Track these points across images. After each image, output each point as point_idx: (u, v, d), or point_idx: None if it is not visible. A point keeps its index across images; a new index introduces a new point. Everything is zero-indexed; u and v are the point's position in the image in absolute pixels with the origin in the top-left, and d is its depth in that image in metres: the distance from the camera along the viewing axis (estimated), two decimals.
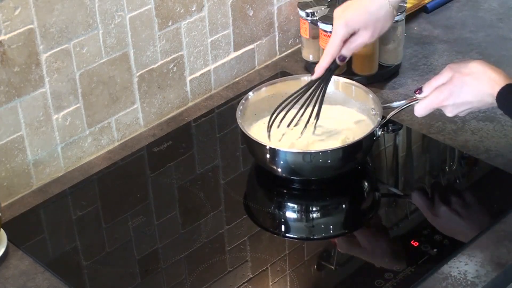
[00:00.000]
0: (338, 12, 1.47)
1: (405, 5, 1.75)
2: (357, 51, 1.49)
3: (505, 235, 1.38)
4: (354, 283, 1.34)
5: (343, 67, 1.75)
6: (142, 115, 1.67)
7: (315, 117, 1.50)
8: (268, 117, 1.56)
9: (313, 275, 1.36)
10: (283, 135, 1.51)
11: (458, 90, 1.40)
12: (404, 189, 1.55)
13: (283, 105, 1.50)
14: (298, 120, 1.51)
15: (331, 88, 1.58)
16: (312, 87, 1.50)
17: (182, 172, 1.57)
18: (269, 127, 1.50)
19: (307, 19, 1.75)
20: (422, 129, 1.63)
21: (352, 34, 1.46)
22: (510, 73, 1.41)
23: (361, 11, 1.44)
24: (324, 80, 1.50)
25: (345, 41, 1.47)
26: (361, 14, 1.44)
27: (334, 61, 1.48)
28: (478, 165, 1.55)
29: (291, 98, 1.50)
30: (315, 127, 1.51)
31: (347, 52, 1.48)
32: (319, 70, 1.49)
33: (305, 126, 1.50)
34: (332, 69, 1.49)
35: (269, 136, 1.50)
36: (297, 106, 1.51)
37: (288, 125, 1.51)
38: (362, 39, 1.46)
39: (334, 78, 1.59)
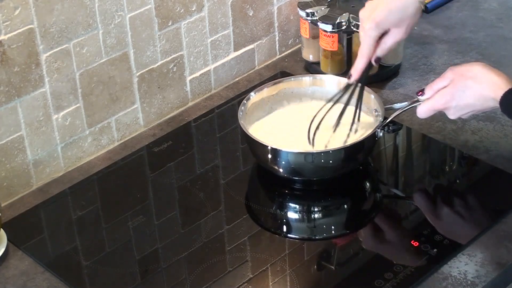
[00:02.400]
0: (365, 13, 1.46)
1: None
2: (391, 50, 1.49)
3: (505, 235, 1.38)
4: (354, 283, 1.34)
5: (343, 67, 1.75)
6: (142, 115, 1.67)
7: (357, 120, 1.48)
8: (269, 117, 1.56)
9: (313, 275, 1.36)
10: (329, 140, 1.48)
11: (460, 93, 1.40)
12: (404, 190, 1.55)
13: (321, 110, 1.49)
14: (337, 124, 1.48)
15: (333, 88, 1.58)
16: (348, 90, 1.49)
17: (182, 172, 1.57)
18: (310, 134, 1.48)
19: (307, 19, 1.75)
20: (422, 129, 1.63)
21: (383, 34, 1.46)
22: (511, 73, 1.41)
23: (390, 10, 1.44)
24: (361, 82, 1.49)
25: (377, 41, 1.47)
26: (391, 14, 1.44)
27: (369, 62, 1.48)
28: (478, 165, 1.55)
29: (329, 103, 1.49)
30: (355, 130, 1.49)
31: (381, 52, 1.48)
32: (356, 73, 1.48)
33: (350, 129, 1.48)
34: (367, 70, 1.49)
35: (312, 142, 1.48)
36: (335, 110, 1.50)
37: (334, 130, 1.48)
38: (395, 38, 1.46)
39: (335, 78, 1.59)
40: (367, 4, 1.48)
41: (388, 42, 1.47)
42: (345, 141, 1.47)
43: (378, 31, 1.45)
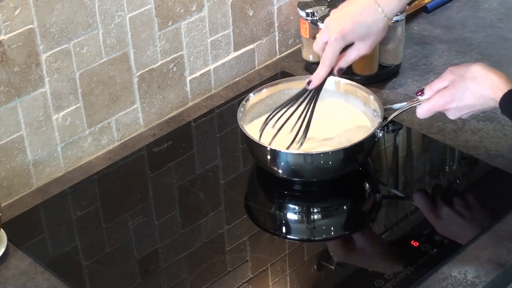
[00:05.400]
0: (332, 22, 1.44)
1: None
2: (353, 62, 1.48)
3: (505, 235, 1.38)
4: (354, 283, 1.34)
5: None
6: (142, 115, 1.67)
7: (304, 130, 1.47)
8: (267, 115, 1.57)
9: (313, 275, 1.36)
10: (274, 136, 1.48)
11: (460, 94, 1.40)
12: (404, 190, 1.55)
13: (278, 110, 1.49)
14: (293, 126, 1.48)
15: (332, 89, 1.58)
16: (305, 94, 1.48)
17: (182, 172, 1.57)
18: (262, 127, 1.49)
19: (307, 19, 1.75)
20: (422, 129, 1.63)
21: (348, 46, 1.45)
22: (510, 73, 1.41)
23: (358, 23, 1.42)
24: (317, 90, 1.48)
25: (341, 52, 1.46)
26: (359, 27, 1.42)
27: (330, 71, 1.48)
28: (478, 165, 1.55)
29: (284, 105, 1.49)
30: (304, 137, 1.48)
31: (344, 64, 1.46)
32: (316, 81, 1.47)
33: (294, 138, 1.47)
34: (325, 79, 1.48)
35: (260, 135, 1.49)
36: (291, 110, 1.49)
37: (279, 129, 1.47)
38: (359, 51, 1.45)
39: (335, 79, 1.59)
40: (332, 13, 1.46)
41: (352, 55, 1.45)
42: (289, 147, 1.47)
43: (343, 43, 1.44)
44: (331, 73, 1.47)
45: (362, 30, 1.42)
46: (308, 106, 1.48)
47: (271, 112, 1.50)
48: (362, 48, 1.45)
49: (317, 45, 1.48)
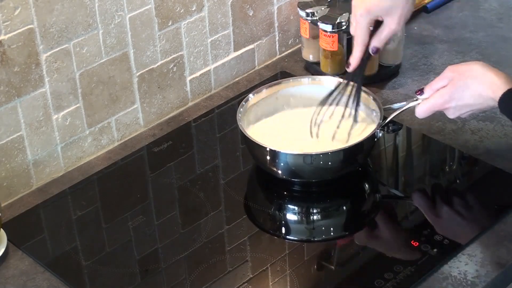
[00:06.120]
0: (356, 1, 1.47)
1: None
2: (388, 40, 1.49)
3: (505, 235, 1.38)
4: (354, 283, 1.34)
5: (343, 67, 1.75)
6: (142, 115, 1.67)
7: (356, 106, 1.50)
8: (268, 119, 1.56)
9: (313, 275, 1.36)
10: (334, 134, 1.51)
11: (459, 93, 1.40)
12: (404, 190, 1.55)
13: (323, 103, 1.52)
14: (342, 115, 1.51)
15: (331, 89, 1.58)
16: (346, 90, 1.51)
17: (182, 172, 1.57)
18: (313, 128, 1.51)
19: (307, 19, 1.75)
20: (422, 129, 1.63)
21: (378, 26, 1.47)
22: (510, 73, 1.41)
23: None
24: (359, 70, 1.50)
25: (373, 33, 1.47)
26: (382, 1, 1.44)
27: (366, 51, 1.49)
28: (478, 165, 1.55)
29: (331, 96, 1.51)
30: (356, 118, 1.50)
31: (378, 43, 1.48)
32: (354, 61, 1.49)
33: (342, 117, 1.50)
34: (365, 60, 1.50)
35: (315, 132, 1.51)
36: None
37: (338, 126, 1.50)
38: (389, 28, 1.46)
39: (333, 79, 1.59)
40: None
41: (384, 32, 1.47)
42: (349, 134, 1.49)
43: (369, 18, 1.46)
44: (368, 55, 1.49)
45: (386, 3, 1.44)
46: (354, 88, 1.50)
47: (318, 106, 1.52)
48: (391, 23, 1.46)
49: (351, 28, 1.50)
